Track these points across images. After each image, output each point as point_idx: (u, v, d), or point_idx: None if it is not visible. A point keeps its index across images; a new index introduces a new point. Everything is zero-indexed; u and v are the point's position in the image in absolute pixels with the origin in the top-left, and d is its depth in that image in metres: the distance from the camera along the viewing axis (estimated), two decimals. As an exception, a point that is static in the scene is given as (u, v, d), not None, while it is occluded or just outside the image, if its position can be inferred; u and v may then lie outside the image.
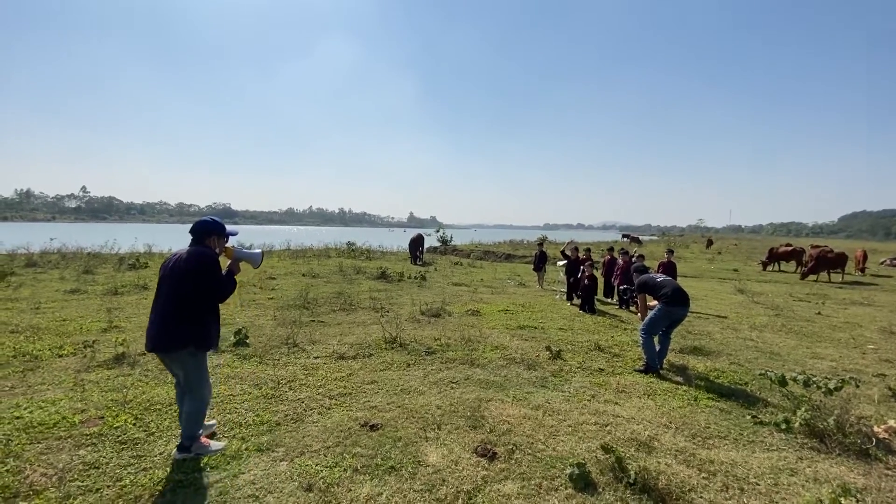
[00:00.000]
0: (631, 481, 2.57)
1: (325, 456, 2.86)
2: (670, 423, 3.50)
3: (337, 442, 3.05)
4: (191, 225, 2.82)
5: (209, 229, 2.80)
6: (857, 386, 3.55)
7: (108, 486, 2.47)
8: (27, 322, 5.95)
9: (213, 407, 3.52)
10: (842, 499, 2.36)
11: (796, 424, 3.38)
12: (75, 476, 2.55)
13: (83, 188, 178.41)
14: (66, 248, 15.85)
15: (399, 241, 29.38)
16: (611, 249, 9.94)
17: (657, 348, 4.78)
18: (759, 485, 2.69)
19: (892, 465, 2.98)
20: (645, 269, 5.50)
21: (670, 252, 9.33)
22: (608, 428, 3.34)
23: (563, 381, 4.44)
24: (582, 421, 3.48)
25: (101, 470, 2.62)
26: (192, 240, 2.79)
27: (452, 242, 27.66)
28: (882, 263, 22.44)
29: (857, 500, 2.40)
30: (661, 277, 5.03)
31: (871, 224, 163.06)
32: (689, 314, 5.22)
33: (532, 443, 3.10)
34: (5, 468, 2.60)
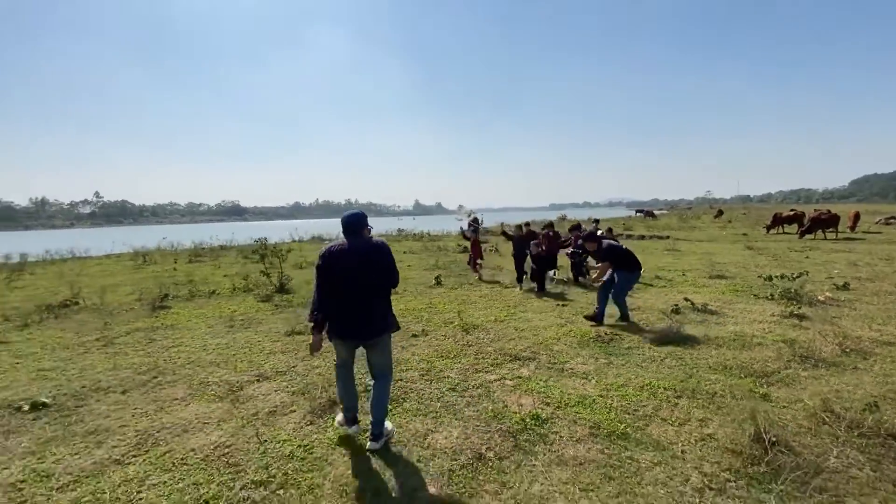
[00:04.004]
0: (699, 308, 5.92)
1: (549, 315, 6.23)
2: (710, 300, 6.80)
3: (553, 308, 6.41)
4: (343, 218, 2.82)
5: (364, 222, 2.84)
6: (808, 274, 6.83)
7: (455, 321, 5.85)
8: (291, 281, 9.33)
9: (475, 304, 6.90)
10: (790, 307, 5.67)
11: (776, 295, 6.66)
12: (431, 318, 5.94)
13: (96, 193, 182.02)
14: (179, 245, 19.19)
15: (412, 227, 31.84)
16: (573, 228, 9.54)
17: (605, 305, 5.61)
18: (754, 311, 6.01)
19: (822, 308, 6.24)
20: (598, 237, 6.02)
21: (550, 226, 9.12)
22: (679, 299, 6.64)
23: (643, 290, 7.75)
24: (669, 298, 6.81)
25: (444, 315, 5.99)
26: (351, 232, 2.79)
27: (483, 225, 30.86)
28: (877, 222, 25.28)
29: (799, 307, 5.68)
30: (624, 247, 5.79)
31: (883, 186, 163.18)
32: (713, 260, 8.35)
33: (650, 301, 6.45)
34: (418, 321, 5.99)
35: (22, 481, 2.62)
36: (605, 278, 5.71)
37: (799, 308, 5.76)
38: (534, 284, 7.84)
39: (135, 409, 3.56)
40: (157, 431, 3.17)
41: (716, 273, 9.11)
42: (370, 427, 2.89)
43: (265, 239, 9.64)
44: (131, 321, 6.42)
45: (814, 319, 5.49)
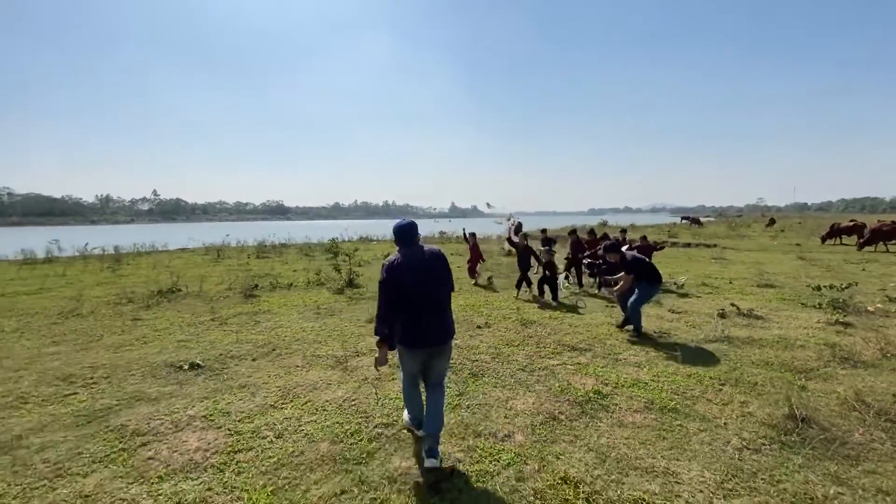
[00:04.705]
0: (745, 313, 6.30)
1: (600, 315, 6.79)
2: (756, 306, 7.11)
3: (603, 309, 6.97)
4: (395, 228, 2.85)
5: (416, 230, 2.91)
6: (857, 285, 7.01)
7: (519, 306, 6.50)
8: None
9: (528, 302, 7.55)
10: (836, 315, 5.96)
11: (824, 304, 6.89)
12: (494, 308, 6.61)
13: (154, 191, 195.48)
14: (244, 242, 20.87)
15: (449, 229, 31.34)
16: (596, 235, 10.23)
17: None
18: (800, 318, 6.31)
19: (868, 317, 6.45)
20: (620, 249, 5.95)
21: (573, 232, 10.08)
22: (725, 305, 7.01)
23: (690, 296, 8.13)
24: (716, 303, 7.19)
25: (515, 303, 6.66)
26: (408, 240, 2.84)
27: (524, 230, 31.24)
28: (948, 235, 23.63)
29: (846, 315, 5.96)
30: (648, 259, 5.81)
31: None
32: (762, 270, 8.57)
33: (696, 307, 6.87)
34: (474, 313, 6.72)
35: (210, 415, 3.55)
36: (628, 295, 5.65)
37: (845, 316, 6.04)
38: (535, 293, 7.93)
39: (268, 372, 4.49)
40: (294, 388, 4.06)
41: (764, 282, 9.29)
42: (426, 442, 2.80)
43: (337, 239, 10.68)
44: (232, 306, 7.53)
45: (858, 327, 5.77)
